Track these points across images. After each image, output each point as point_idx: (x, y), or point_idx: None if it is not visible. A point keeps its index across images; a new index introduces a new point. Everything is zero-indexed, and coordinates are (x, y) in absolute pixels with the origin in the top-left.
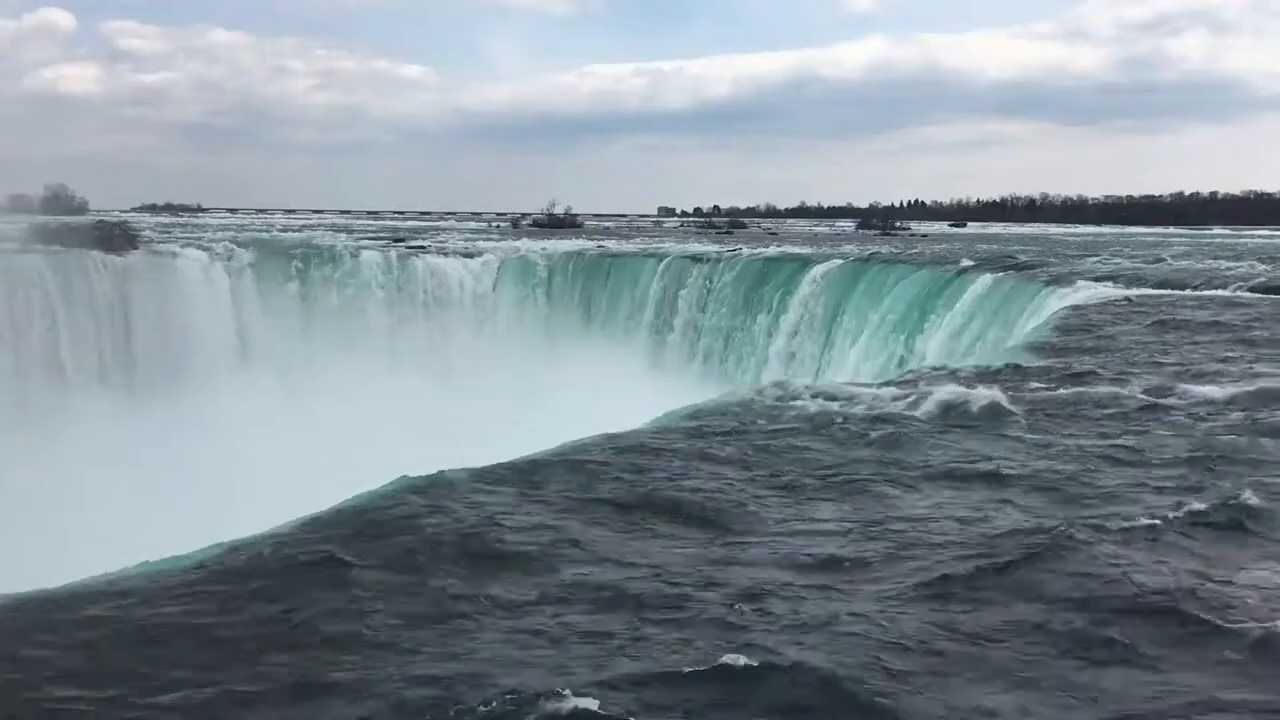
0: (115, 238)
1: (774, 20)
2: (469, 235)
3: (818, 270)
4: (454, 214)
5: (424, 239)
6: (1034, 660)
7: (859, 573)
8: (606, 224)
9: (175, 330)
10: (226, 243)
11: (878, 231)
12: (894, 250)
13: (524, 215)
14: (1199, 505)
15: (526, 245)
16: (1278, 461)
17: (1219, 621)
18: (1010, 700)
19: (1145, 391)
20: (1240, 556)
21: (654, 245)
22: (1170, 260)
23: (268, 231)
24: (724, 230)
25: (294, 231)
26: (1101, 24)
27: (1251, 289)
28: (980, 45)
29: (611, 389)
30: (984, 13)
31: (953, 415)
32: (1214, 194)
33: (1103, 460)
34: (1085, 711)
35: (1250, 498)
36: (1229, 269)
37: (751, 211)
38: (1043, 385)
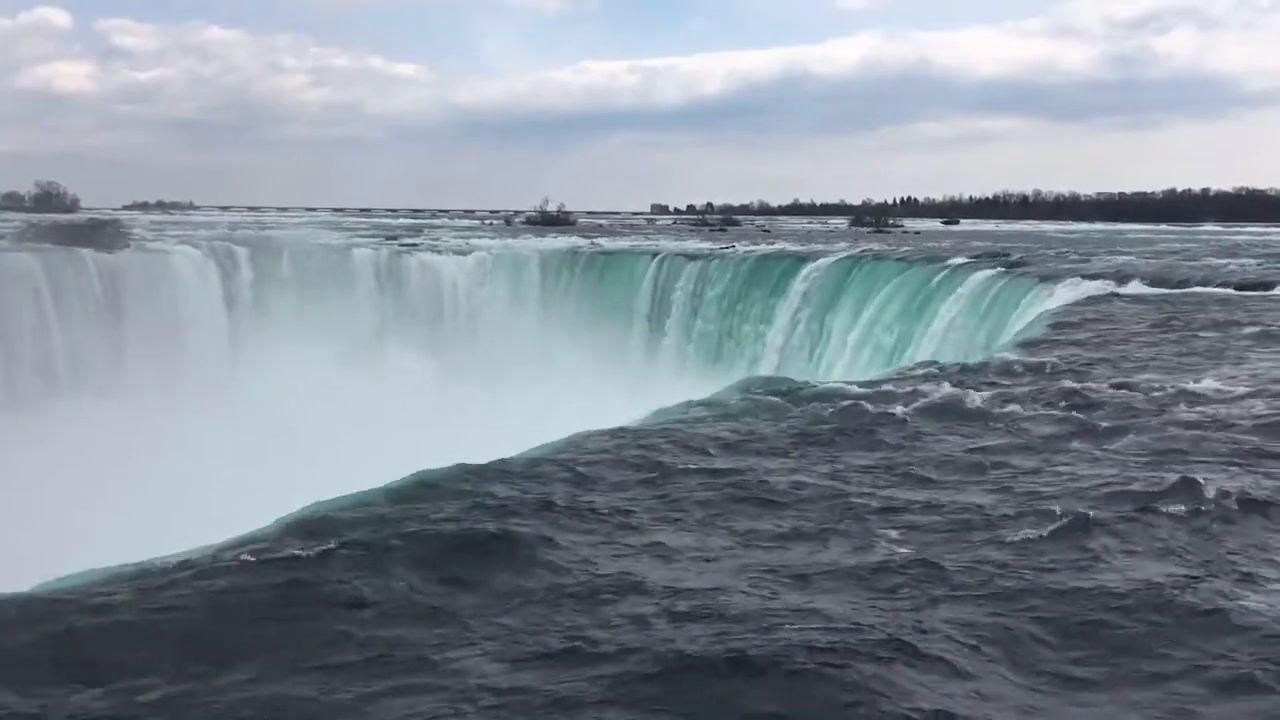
0: (107, 235)
1: (766, 17)
2: (462, 233)
3: (811, 268)
4: (446, 212)
5: (417, 237)
6: (1028, 653)
7: (842, 573)
8: (599, 221)
9: (167, 327)
10: (219, 240)
11: (871, 229)
12: (887, 247)
13: (517, 213)
14: (1191, 496)
15: (519, 243)
16: (1271, 452)
17: (1218, 612)
18: (1007, 694)
19: (1138, 387)
20: (1234, 545)
21: (648, 243)
22: (1162, 257)
23: (260, 229)
24: (717, 228)
25: (287, 229)
26: (1090, 21)
27: (1244, 285)
28: (971, 42)
29: (604, 386)
30: (974, 10)
31: (945, 412)
32: (1206, 190)
33: (1099, 455)
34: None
35: (1242, 489)
36: (1221, 265)
37: (745, 209)
38: (1035, 381)
